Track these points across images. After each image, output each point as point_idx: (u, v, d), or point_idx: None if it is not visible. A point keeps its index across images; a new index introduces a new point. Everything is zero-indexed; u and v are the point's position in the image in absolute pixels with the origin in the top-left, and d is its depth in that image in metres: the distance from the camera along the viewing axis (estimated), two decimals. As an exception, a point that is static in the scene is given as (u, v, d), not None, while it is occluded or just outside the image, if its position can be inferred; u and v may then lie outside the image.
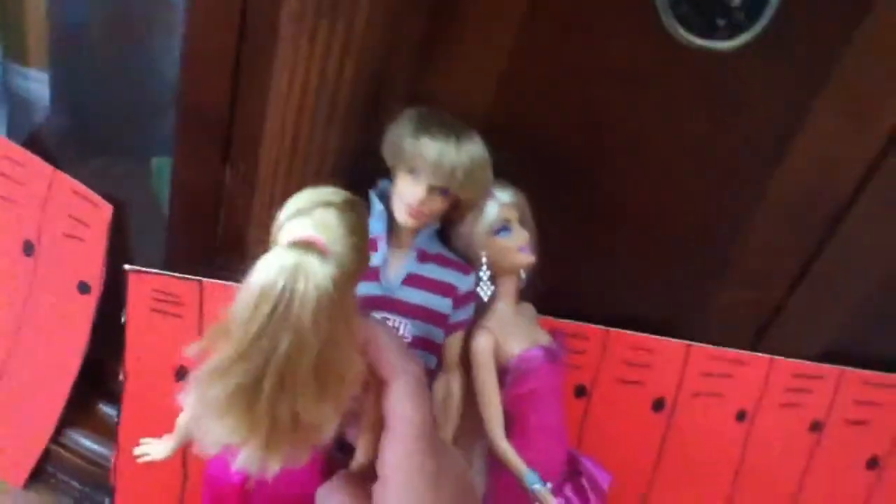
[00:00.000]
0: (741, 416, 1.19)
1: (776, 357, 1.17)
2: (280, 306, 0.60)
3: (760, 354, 1.17)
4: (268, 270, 0.62)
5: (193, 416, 0.64)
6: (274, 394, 0.60)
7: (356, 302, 0.69)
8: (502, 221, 0.97)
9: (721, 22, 0.91)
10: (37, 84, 1.51)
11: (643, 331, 1.14)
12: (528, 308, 1.05)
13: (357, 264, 0.68)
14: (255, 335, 0.60)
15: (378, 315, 0.96)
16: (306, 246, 0.64)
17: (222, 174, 1.05)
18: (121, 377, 1.05)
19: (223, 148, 1.02)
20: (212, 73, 0.97)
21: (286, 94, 0.92)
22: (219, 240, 1.07)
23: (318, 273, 0.61)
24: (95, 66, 1.45)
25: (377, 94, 0.96)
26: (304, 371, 0.61)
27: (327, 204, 0.69)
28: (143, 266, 1.06)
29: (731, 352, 1.16)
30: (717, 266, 1.13)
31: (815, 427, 1.21)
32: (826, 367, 1.18)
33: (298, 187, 0.97)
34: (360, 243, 0.69)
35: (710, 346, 1.16)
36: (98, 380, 1.20)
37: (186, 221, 1.09)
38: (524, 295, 1.04)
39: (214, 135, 1.01)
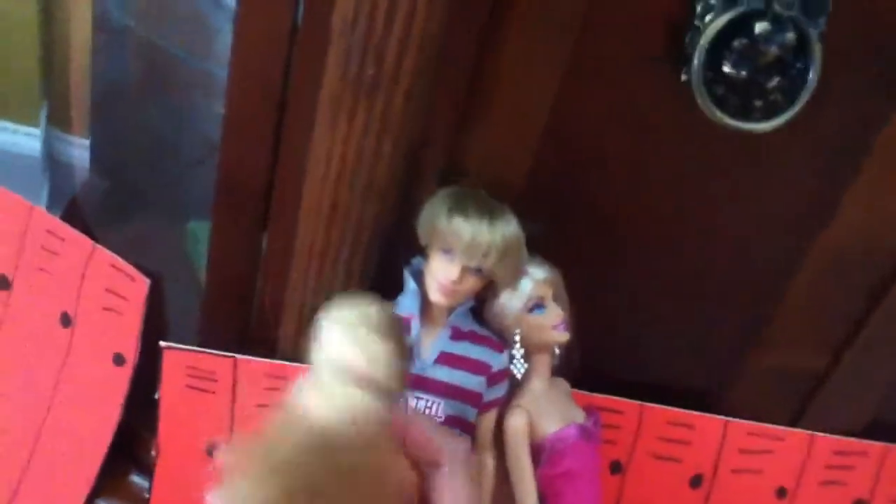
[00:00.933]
0: (781, 493, 1.16)
1: (817, 434, 1.14)
2: (321, 442, 0.62)
3: (800, 430, 1.14)
4: (322, 409, 0.63)
5: None
6: None
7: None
8: (536, 299, 0.97)
9: (758, 103, 0.91)
10: (78, 150, 1.56)
11: (681, 401, 1.13)
12: (562, 384, 1.04)
13: (401, 389, 0.69)
14: (292, 457, 0.61)
15: (411, 394, 0.95)
16: (357, 380, 0.65)
17: (259, 246, 1.06)
18: (153, 452, 1.05)
19: (260, 219, 1.03)
20: (251, 143, 0.99)
21: (324, 169, 0.93)
22: (254, 314, 1.08)
23: (371, 413, 0.64)
24: (134, 131, 1.49)
25: (414, 169, 0.96)
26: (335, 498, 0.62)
27: (373, 327, 0.70)
28: (177, 338, 1.07)
29: (771, 428, 1.13)
30: (757, 331, 1.11)
31: (860, 506, 1.17)
32: (868, 443, 1.15)
33: (334, 263, 0.99)
34: (404, 368, 0.70)
35: (749, 422, 1.13)
36: (130, 450, 1.20)
37: (222, 293, 1.10)
38: (558, 370, 1.03)
39: (252, 205, 1.02)
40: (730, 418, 1.13)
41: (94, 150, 1.57)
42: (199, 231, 1.46)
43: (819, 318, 1.10)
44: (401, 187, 0.96)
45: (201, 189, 1.22)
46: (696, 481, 1.14)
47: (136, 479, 1.22)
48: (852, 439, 1.15)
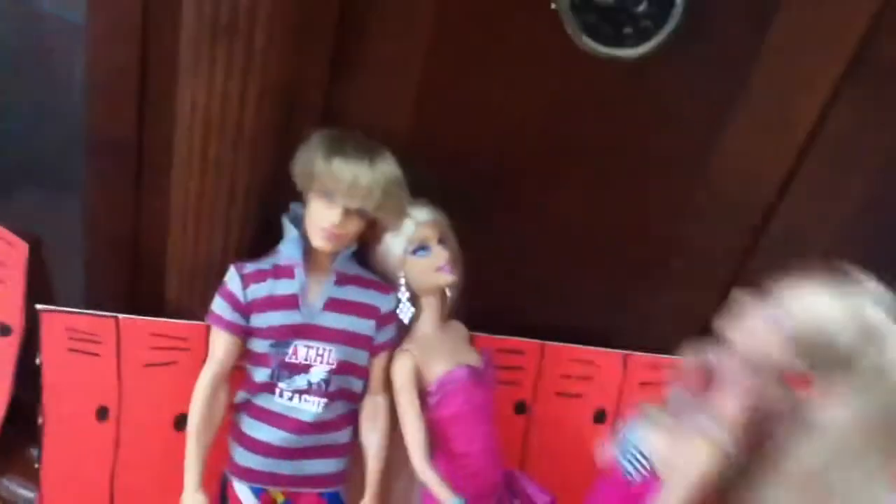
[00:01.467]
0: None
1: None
2: None
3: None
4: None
5: None
6: None
7: None
8: (420, 241, 0.96)
9: (628, 30, 0.90)
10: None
11: (583, 343, 1.13)
12: (458, 327, 1.03)
13: None
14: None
15: (301, 343, 0.94)
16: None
17: (135, 204, 1.02)
18: (39, 420, 1.01)
19: (135, 178, 1.00)
20: (117, 102, 0.95)
21: (191, 117, 0.90)
22: (138, 273, 1.05)
23: None
24: (14, 99, 1.41)
25: (286, 115, 0.94)
26: None
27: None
28: (65, 304, 1.03)
29: (665, 358, 1.14)
30: (651, 270, 1.12)
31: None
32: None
33: (211, 215, 0.96)
34: None
35: (648, 355, 1.14)
36: (25, 423, 1.16)
37: (103, 255, 1.06)
38: (455, 314, 1.03)
39: (124, 165, 0.98)
40: (629, 352, 1.14)
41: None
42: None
43: (708, 256, 1.11)
44: (274, 133, 0.93)
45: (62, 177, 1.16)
46: (600, 416, 1.15)
47: (34, 452, 1.19)
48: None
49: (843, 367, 0.66)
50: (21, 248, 1.07)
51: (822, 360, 0.69)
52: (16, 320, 1.10)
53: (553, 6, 0.88)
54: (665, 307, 1.14)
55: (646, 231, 1.10)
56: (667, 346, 1.15)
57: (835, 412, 0.70)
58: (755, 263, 1.11)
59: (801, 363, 0.71)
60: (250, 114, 0.89)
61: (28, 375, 1.12)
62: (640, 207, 1.08)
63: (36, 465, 1.04)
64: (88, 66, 0.94)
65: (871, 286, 0.74)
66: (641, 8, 0.88)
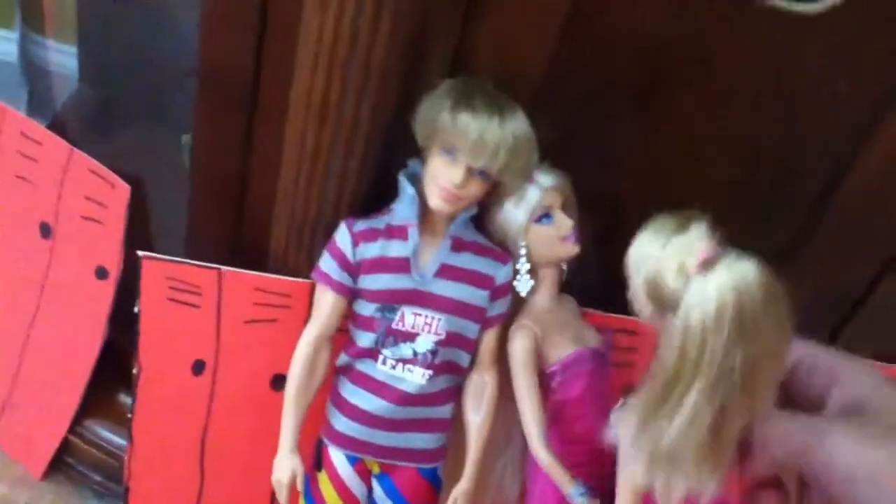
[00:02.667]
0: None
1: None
2: (738, 321, 0.57)
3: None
4: (709, 297, 0.57)
5: (646, 469, 0.60)
6: (736, 416, 0.58)
7: None
8: (544, 208, 0.88)
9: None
10: (59, 56, 1.46)
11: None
12: (570, 302, 0.96)
13: None
14: (721, 363, 0.56)
15: (409, 309, 0.87)
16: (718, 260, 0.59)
17: (246, 148, 0.96)
18: (134, 370, 0.98)
19: (247, 120, 0.94)
20: (233, 35, 0.89)
21: (314, 57, 0.83)
22: (243, 223, 1.00)
23: (753, 272, 0.58)
24: (124, 39, 1.38)
25: (415, 58, 0.86)
26: (764, 380, 0.58)
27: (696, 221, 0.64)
28: (164, 252, 0.99)
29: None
30: (798, 243, 1.01)
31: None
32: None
33: (326, 165, 0.89)
34: None
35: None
36: (119, 368, 1.14)
37: (208, 199, 1.01)
38: (565, 287, 0.95)
39: (237, 104, 0.93)
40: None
41: (83, 58, 1.47)
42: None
43: (867, 230, 0.99)
44: (402, 79, 0.86)
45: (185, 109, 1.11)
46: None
47: (125, 398, 1.17)
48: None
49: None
50: (122, 190, 1.03)
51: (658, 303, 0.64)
52: (113, 264, 1.07)
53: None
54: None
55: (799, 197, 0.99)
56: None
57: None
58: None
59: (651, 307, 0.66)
60: (379, 53, 0.81)
61: (122, 321, 1.10)
62: (791, 171, 0.98)
63: (129, 415, 1.01)
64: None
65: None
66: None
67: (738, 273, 0.59)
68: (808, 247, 1.01)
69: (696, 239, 0.62)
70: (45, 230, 1.12)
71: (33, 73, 1.43)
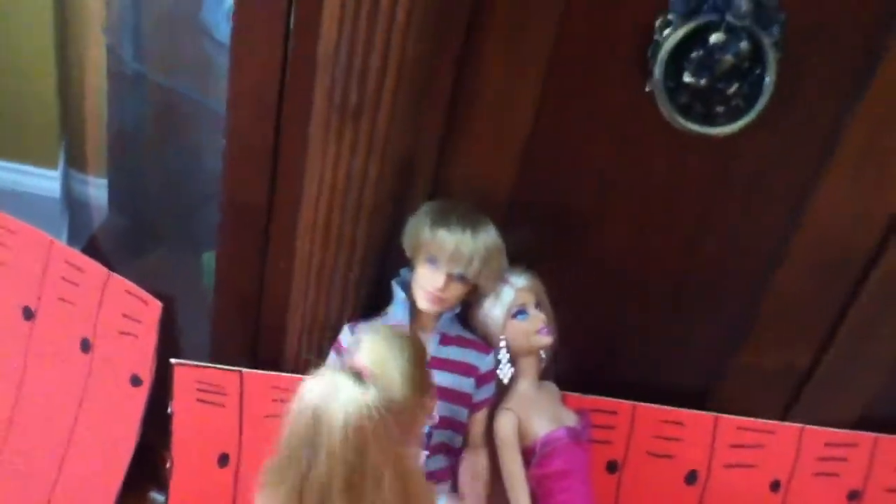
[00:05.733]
0: (775, 486, 1.18)
1: (807, 426, 1.17)
2: (313, 425, 0.69)
3: (790, 424, 1.17)
4: (307, 391, 0.69)
5: None
6: None
7: (413, 436, 0.75)
8: (519, 305, 1.02)
9: (720, 109, 0.96)
10: (95, 189, 1.65)
11: (673, 399, 1.16)
12: (551, 387, 1.09)
13: (408, 394, 0.75)
14: (293, 449, 0.69)
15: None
16: (351, 373, 0.71)
17: (262, 265, 1.12)
18: (168, 465, 1.11)
19: (263, 241, 1.10)
20: (251, 168, 1.07)
21: (317, 190, 1.00)
22: (260, 330, 1.15)
23: (353, 396, 0.69)
24: (149, 169, 1.57)
25: (402, 188, 1.03)
26: (338, 490, 0.68)
27: (391, 340, 0.78)
28: (190, 357, 1.13)
29: (761, 422, 1.17)
30: (742, 331, 1.15)
31: (853, 496, 1.19)
32: (858, 433, 1.18)
33: (330, 279, 1.05)
34: (414, 373, 0.76)
35: (739, 417, 1.17)
36: (149, 467, 1.26)
37: (229, 311, 1.16)
38: (547, 374, 1.08)
39: (254, 227, 1.09)
40: (720, 414, 1.17)
41: (112, 189, 1.66)
42: (212, 259, 1.53)
43: (800, 316, 1.13)
44: (391, 207, 1.03)
45: (213, 222, 1.29)
46: (691, 478, 1.18)
47: (156, 496, 1.29)
48: (842, 430, 1.17)
49: None
50: (155, 307, 1.18)
51: None
52: (146, 372, 1.21)
53: (647, 88, 0.95)
54: (756, 367, 1.18)
55: (737, 293, 1.14)
56: (758, 408, 1.19)
57: None
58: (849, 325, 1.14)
59: None
60: (370, 188, 0.98)
61: (153, 422, 1.23)
62: (728, 272, 1.13)
63: (163, 507, 1.13)
64: (228, 143, 1.06)
65: None
66: (733, 89, 0.94)
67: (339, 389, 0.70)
68: (749, 338, 1.15)
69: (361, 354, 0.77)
70: (85, 345, 1.26)
71: (72, 206, 1.61)
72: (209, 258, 1.54)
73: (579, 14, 0.95)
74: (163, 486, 1.23)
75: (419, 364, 0.84)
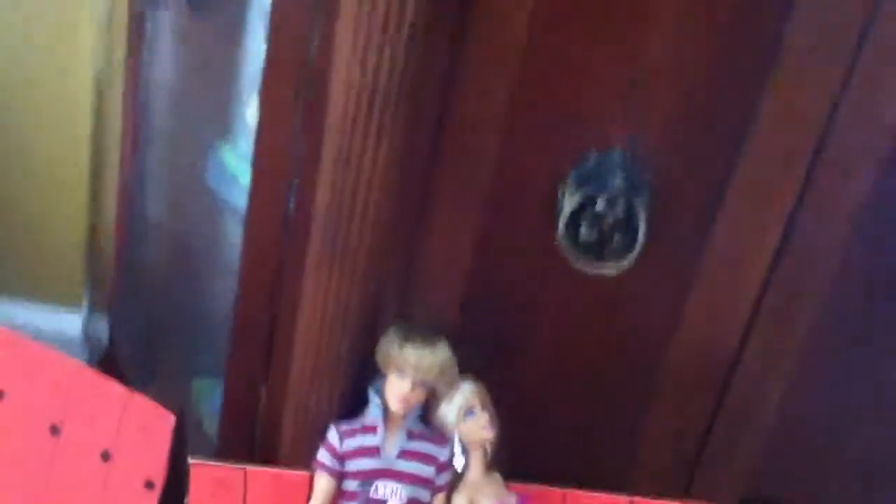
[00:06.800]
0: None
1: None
2: None
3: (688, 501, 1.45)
4: None
5: None
6: None
7: None
8: (468, 407, 1.31)
9: (608, 253, 1.31)
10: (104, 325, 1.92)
11: (598, 483, 1.42)
12: (496, 475, 1.36)
13: None
14: None
15: (381, 483, 1.27)
16: None
17: (264, 380, 1.40)
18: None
19: (265, 361, 1.38)
20: (258, 305, 1.36)
21: (310, 321, 1.31)
22: (261, 434, 1.41)
23: None
24: (147, 307, 1.85)
25: (375, 311, 1.33)
26: None
27: None
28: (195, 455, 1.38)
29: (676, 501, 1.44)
30: (637, 422, 1.45)
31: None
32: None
33: (318, 391, 1.34)
34: None
35: (651, 500, 1.44)
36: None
37: (234, 421, 1.43)
38: (492, 465, 1.35)
39: (258, 356, 1.38)
40: (634, 497, 1.44)
41: (113, 323, 1.93)
42: (202, 387, 1.80)
43: (680, 413, 1.45)
44: (366, 331, 1.33)
45: (204, 353, 1.58)
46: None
47: None
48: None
49: None
50: (169, 419, 1.44)
51: None
52: (159, 477, 1.44)
53: (556, 242, 1.30)
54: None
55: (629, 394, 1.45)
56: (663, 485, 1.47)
57: None
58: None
59: None
60: (351, 317, 1.29)
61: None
62: (620, 376, 1.45)
63: None
64: (241, 280, 1.36)
65: None
66: (616, 241, 1.30)
67: None
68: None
69: None
70: (106, 456, 1.49)
71: (91, 343, 1.87)
72: (199, 385, 1.81)
73: (507, 191, 1.31)
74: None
75: None
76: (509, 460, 1.37)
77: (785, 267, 1.37)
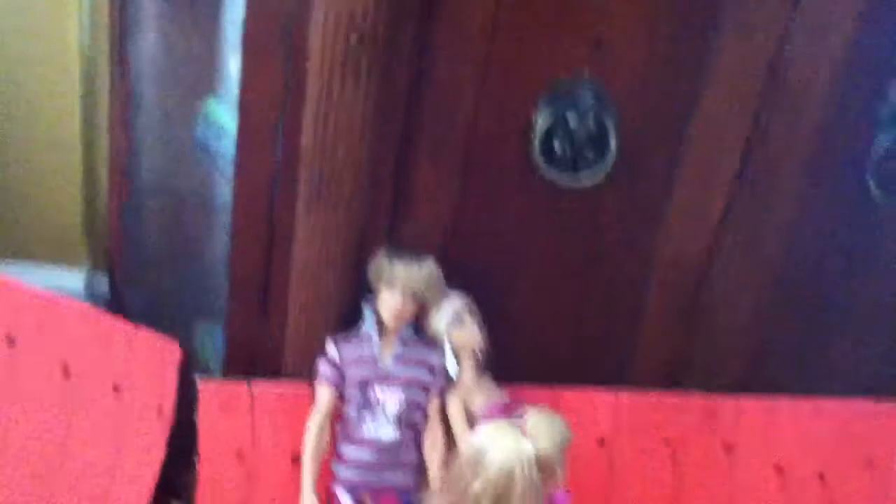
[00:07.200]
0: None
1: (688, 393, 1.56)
2: (477, 458, 0.95)
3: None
4: (481, 431, 0.98)
5: None
6: None
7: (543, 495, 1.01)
8: (457, 315, 1.41)
9: (583, 166, 1.41)
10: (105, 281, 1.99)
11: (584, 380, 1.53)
12: (487, 379, 1.45)
13: (553, 460, 1.03)
14: (461, 469, 0.95)
15: (379, 388, 1.37)
16: (516, 426, 1.01)
17: (265, 326, 1.49)
18: (196, 461, 1.42)
19: (262, 304, 1.47)
20: (253, 247, 1.45)
21: (304, 257, 1.40)
22: (263, 358, 1.50)
23: (513, 445, 0.96)
24: (155, 262, 1.91)
25: (365, 244, 1.42)
26: None
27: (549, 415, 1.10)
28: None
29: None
30: (626, 332, 1.56)
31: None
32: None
33: (317, 320, 1.43)
34: (561, 447, 1.06)
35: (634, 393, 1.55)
36: (169, 486, 1.55)
37: (238, 357, 1.51)
38: (485, 369, 1.45)
39: (255, 294, 1.47)
40: (619, 392, 1.55)
41: (116, 280, 2.00)
42: (205, 332, 1.88)
43: (666, 322, 1.55)
44: (357, 258, 1.42)
45: (204, 300, 1.65)
46: (601, 442, 1.53)
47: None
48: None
49: None
50: (177, 352, 1.53)
51: None
52: (168, 404, 1.53)
53: (532, 159, 1.40)
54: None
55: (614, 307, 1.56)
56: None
57: None
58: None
59: None
60: (342, 246, 1.40)
61: (171, 450, 1.54)
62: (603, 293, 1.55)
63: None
64: (234, 226, 1.45)
65: None
66: (588, 155, 1.40)
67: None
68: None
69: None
70: (116, 389, 1.58)
71: (94, 300, 1.95)
72: (203, 330, 1.88)
73: (485, 121, 1.40)
74: (182, 497, 1.51)
75: (565, 444, 1.13)
76: (502, 367, 1.47)
77: (753, 172, 1.48)
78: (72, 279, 1.99)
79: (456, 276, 1.43)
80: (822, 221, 1.58)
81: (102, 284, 2.00)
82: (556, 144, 1.40)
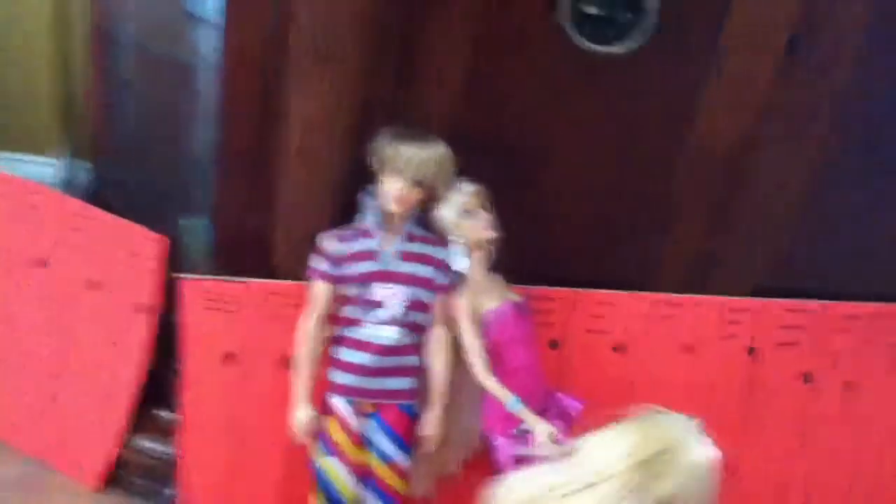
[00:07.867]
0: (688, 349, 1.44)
1: (714, 296, 1.42)
2: (665, 446, 0.80)
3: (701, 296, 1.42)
4: (663, 419, 0.82)
5: None
6: None
7: None
8: (467, 207, 1.25)
9: (615, 33, 1.22)
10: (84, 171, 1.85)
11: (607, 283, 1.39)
12: (498, 277, 1.31)
13: None
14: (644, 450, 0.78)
15: (379, 285, 1.23)
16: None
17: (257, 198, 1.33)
18: (178, 365, 1.30)
19: (255, 178, 1.31)
20: (243, 114, 1.28)
21: (302, 132, 1.25)
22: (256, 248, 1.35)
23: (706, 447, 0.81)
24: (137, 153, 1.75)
25: (367, 117, 1.25)
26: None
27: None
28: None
29: (675, 297, 1.41)
30: (656, 227, 1.40)
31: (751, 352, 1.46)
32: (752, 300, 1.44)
33: (312, 200, 1.27)
34: None
35: (651, 294, 1.41)
36: (155, 391, 1.44)
37: (229, 240, 1.37)
38: (497, 267, 1.30)
39: (249, 169, 1.31)
40: (636, 292, 1.41)
41: (98, 169, 1.85)
42: (190, 226, 1.72)
43: (697, 205, 1.40)
44: (359, 133, 1.25)
45: (193, 192, 1.49)
46: (619, 348, 1.41)
47: (163, 414, 1.45)
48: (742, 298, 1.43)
49: None
50: (162, 243, 1.40)
51: None
52: (155, 300, 1.40)
53: (558, 21, 1.21)
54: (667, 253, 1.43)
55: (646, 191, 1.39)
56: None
57: None
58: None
59: None
60: (344, 118, 1.23)
61: (156, 351, 1.42)
62: (636, 171, 1.38)
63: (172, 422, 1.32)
64: (225, 92, 1.27)
65: None
66: (627, 18, 1.21)
67: None
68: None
69: None
70: (95, 284, 1.45)
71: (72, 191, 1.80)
72: (186, 224, 1.73)
73: None
74: (169, 407, 1.40)
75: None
76: (524, 265, 1.32)
77: (802, 54, 1.29)
78: (50, 170, 1.87)
79: (467, 158, 1.26)
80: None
81: (81, 174, 1.85)
82: (585, 2, 1.21)
